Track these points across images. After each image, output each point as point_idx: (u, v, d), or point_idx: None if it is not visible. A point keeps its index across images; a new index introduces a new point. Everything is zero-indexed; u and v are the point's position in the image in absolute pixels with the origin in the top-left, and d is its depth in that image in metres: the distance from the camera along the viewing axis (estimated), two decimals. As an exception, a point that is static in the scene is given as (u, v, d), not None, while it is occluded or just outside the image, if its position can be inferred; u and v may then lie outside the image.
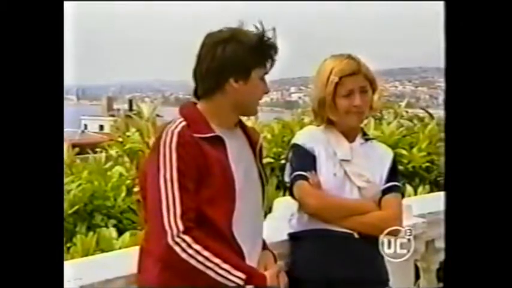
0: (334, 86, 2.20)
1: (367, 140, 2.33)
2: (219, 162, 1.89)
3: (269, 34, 1.94)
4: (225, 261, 1.82)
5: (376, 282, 2.23)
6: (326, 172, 2.21)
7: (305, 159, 2.22)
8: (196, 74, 1.95)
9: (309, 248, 2.22)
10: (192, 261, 1.79)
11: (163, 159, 1.82)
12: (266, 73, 1.98)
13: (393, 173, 2.30)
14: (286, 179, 2.27)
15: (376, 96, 2.30)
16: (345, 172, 2.22)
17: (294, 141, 2.31)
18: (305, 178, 2.19)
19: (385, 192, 2.25)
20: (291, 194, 2.25)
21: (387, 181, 2.27)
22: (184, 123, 1.90)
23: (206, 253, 1.80)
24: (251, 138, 2.08)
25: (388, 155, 2.35)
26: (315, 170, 2.20)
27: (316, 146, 2.24)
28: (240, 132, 2.06)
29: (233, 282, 1.83)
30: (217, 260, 1.81)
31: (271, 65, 1.98)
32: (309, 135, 2.31)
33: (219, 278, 1.82)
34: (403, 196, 2.38)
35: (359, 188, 2.22)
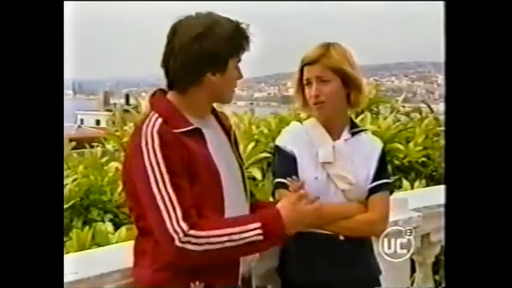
0: (299, 75, 2.20)
1: (354, 134, 2.24)
2: (202, 155, 1.84)
3: (240, 21, 1.91)
4: (235, 226, 1.78)
5: (365, 282, 2.21)
6: (307, 176, 2.15)
7: (285, 164, 2.17)
8: (169, 65, 1.88)
9: (296, 251, 2.17)
10: (209, 247, 1.75)
11: (149, 162, 1.76)
12: (239, 61, 1.94)
13: (381, 169, 2.22)
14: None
15: (358, 93, 2.20)
16: (328, 175, 2.17)
17: (276, 142, 2.26)
18: (285, 186, 2.13)
19: (372, 191, 2.19)
20: (275, 199, 2.18)
21: (374, 179, 2.19)
22: (160, 119, 1.83)
23: (215, 232, 1.76)
24: (224, 124, 2.03)
25: (375, 149, 2.25)
26: (297, 174, 2.15)
27: (297, 148, 2.18)
28: (213, 119, 2.01)
29: (254, 236, 1.77)
30: (228, 230, 1.77)
31: (243, 52, 1.92)
32: (291, 135, 2.25)
33: (240, 243, 1.77)
34: (392, 192, 2.29)
35: (343, 190, 2.17)
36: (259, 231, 1.78)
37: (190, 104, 1.90)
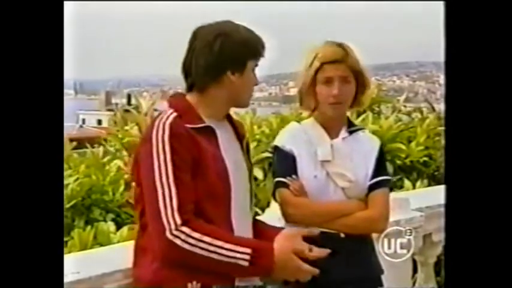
0: (315, 72, 2.17)
1: (351, 132, 2.25)
2: (212, 153, 1.88)
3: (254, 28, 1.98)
4: (227, 242, 1.80)
5: (366, 280, 2.21)
6: (307, 174, 2.16)
7: (285, 163, 2.18)
8: (191, 68, 1.94)
9: None
10: (196, 250, 1.77)
11: (156, 152, 1.80)
12: (257, 65, 2.00)
13: (380, 166, 2.23)
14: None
15: (365, 93, 2.22)
16: (327, 173, 2.17)
17: (275, 142, 2.27)
18: (285, 185, 2.15)
19: (371, 188, 2.19)
20: (275, 199, 2.21)
21: (373, 176, 2.20)
22: (175, 114, 1.88)
23: (207, 238, 1.78)
24: (238, 130, 2.07)
25: (373, 148, 2.25)
26: (296, 173, 2.16)
27: (296, 147, 2.19)
28: (227, 124, 2.05)
29: (240, 259, 1.79)
30: (219, 243, 1.79)
31: (260, 57, 2.00)
32: (289, 135, 2.26)
33: (224, 259, 1.78)
34: (391, 189, 2.29)
35: (342, 188, 2.17)
36: (247, 256, 1.80)
37: (208, 103, 1.95)
